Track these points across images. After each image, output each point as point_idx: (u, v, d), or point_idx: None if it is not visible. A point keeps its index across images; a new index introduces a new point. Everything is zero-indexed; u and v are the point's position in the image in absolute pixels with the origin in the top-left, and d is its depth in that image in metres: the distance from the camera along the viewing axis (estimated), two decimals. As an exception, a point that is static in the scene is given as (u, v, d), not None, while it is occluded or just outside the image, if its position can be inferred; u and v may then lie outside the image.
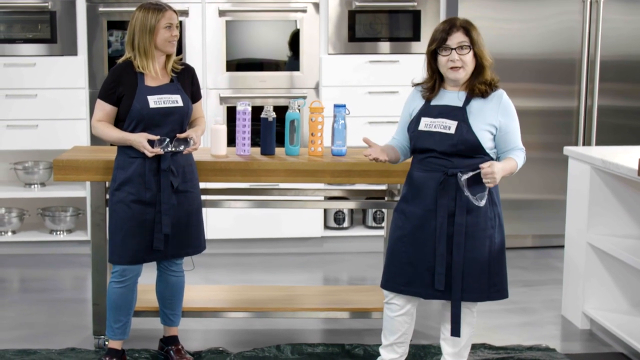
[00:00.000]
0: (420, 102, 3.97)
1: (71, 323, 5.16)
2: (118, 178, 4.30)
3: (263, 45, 6.63)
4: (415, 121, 3.94)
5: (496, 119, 3.83)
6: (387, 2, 6.60)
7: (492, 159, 3.87)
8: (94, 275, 4.69)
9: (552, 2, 6.56)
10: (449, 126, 3.83)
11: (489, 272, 3.90)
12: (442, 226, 3.86)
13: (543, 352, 4.77)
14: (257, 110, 4.93)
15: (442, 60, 3.86)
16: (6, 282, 6.07)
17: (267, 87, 6.59)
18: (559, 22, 6.58)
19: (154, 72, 4.29)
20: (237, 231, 6.62)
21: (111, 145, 4.53)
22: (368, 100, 6.51)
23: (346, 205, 5.03)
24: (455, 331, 3.97)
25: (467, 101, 3.85)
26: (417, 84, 4.02)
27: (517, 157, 3.88)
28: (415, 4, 6.59)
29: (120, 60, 4.34)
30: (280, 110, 5.00)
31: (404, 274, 3.96)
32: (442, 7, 6.63)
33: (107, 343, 4.62)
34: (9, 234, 6.66)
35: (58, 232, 6.68)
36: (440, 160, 3.87)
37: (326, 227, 6.82)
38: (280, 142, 4.85)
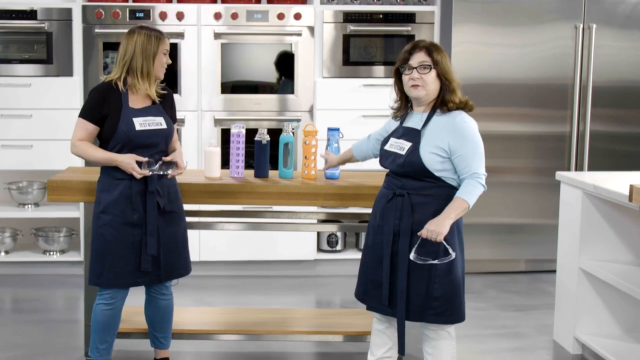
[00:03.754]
0: (398, 122, 4.08)
1: (63, 344, 5.15)
2: (103, 201, 4.27)
3: (258, 68, 6.66)
4: (385, 140, 4.05)
5: (445, 142, 3.83)
6: (381, 27, 6.64)
7: (443, 182, 3.87)
8: (86, 296, 4.69)
9: (545, 28, 6.60)
10: (404, 147, 3.91)
11: (426, 294, 3.90)
12: (388, 243, 3.92)
13: (534, 376, 4.77)
14: (251, 133, 4.95)
15: (404, 79, 3.95)
16: (-2, 302, 6.07)
17: (261, 109, 6.61)
18: (552, 47, 6.62)
19: (138, 93, 4.30)
20: (230, 253, 6.62)
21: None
22: (362, 124, 6.53)
23: (339, 228, 5.05)
24: (401, 349, 4.02)
25: (426, 123, 3.91)
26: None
27: (467, 192, 3.81)
28: (410, 28, 6.63)
29: (104, 80, 4.34)
30: (274, 133, 5.02)
31: (363, 283, 4.09)
32: (436, 32, 6.67)
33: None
34: (2, 253, 6.65)
35: (51, 253, 6.68)
36: (394, 180, 3.97)
37: (319, 249, 6.82)
38: (274, 165, 4.87)
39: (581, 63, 6.63)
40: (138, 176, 4.21)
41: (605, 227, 5.02)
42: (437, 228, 3.76)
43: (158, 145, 4.33)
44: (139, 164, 4.21)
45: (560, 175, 5.25)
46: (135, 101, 4.31)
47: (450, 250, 3.80)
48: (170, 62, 4.35)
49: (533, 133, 6.70)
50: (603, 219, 5.01)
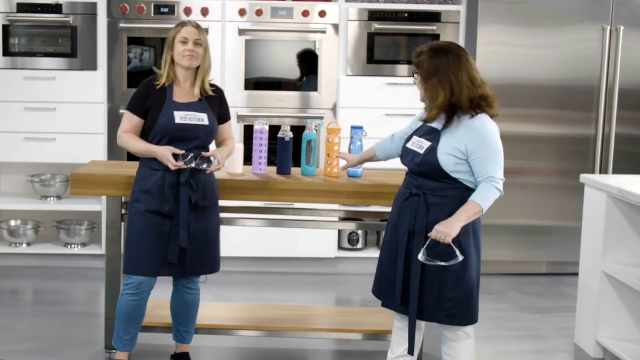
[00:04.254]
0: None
1: (83, 337, 5.17)
2: (137, 190, 4.33)
3: (282, 65, 6.66)
4: (409, 138, 4.04)
5: (462, 144, 3.80)
6: (406, 26, 6.62)
7: (459, 183, 3.84)
8: (107, 290, 4.70)
9: (572, 30, 6.56)
10: (423, 147, 3.89)
11: (439, 295, 3.87)
12: (403, 242, 3.90)
13: (555, 380, 4.74)
14: (274, 130, 4.95)
15: None
16: (20, 294, 6.09)
17: (284, 106, 6.61)
18: (579, 49, 6.58)
19: (183, 88, 4.33)
20: (251, 249, 6.62)
21: (129, 160, 4.54)
22: (385, 123, 6.51)
23: (361, 227, 5.04)
24: (410, 349, 4.00)
25: (447, 124, 3.87)
26: None
27: (482, 197, 3.77)
28: (435, 28, 6.60)
29: (155, 73, 4.41)
30: (298, 130, 5.01)
31: (379, 280, 4.09)
32: (461, 31, 6.64)
33: (114, 353, 4.64)
34: (24, 246, 6.69)
35: (73, 246, 6.70)
36: (412, 179, 3.95)
37: (340, 248, 6.81)
38: (297, 162, 4.86)
39: (608, 65, 6.58)
40: (173, 168, 4.23)
41: (629, 231, 4.98)
42: (446, 230, 3.73)
43: (197, 140, 4.33)
44: (176, 157, 4.23)
45: (584, 178, 5.21)
46: (181, 96, 4.35)
47: (458, 253, 3.76)
48: (191, 49, 4.29)
49: (558, 135, 6.66)
50: (627, 223, 4.98)
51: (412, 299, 3.89)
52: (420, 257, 3.78)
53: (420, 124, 4.03)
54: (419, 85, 3.94)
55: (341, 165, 4.76)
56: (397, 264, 3.93)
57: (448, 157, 3.81)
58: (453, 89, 3.82)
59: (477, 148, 3.78)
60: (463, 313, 3.90)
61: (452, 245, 3.75)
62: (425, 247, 3.79)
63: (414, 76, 3.96)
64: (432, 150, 3.84)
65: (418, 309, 3.91)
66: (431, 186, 3.87)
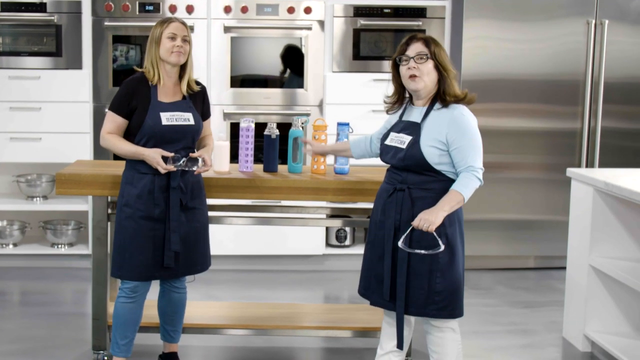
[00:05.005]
0: (397, 117, 4.04)
1: (71, 337, 5.15)
2: (126, 194, 4.25)
3: (267, 62, 6.65)
4: (385, 135, 4.03)
5: (443, 135, 3.81)
6: (392, 22, 6.62)
7: (443, 175, 3.85)
8: (94, 290, 4.68)
9: (557, 24, 6.57)
10: (404, 141, 3.88)
11: (429, 289, 3.87)
12: (389, 238, 3.90)
13: (544, 374, 4.75)
14: (260, 127, 4.94)
15: (402, 70, 3.93)
16: (6, 295, 6.06)
17: (270, 103, 6.59)
18: (564, 43, 6.59)
19: (167, 86, 4.27)
20: (238, 248, 6.61)
21: (115, 159, 4.49)
22: (372, 119, 6.49)
23: (348, 224, 5.03)
24: (399, 344, 3.99)
25: (425, 116, 3.88)
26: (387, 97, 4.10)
27: (462, 185, 3.78)
28: (420, 23, 6.60)
29: (136, 71, 4.32)
30: (284, 127, 5.00)
31: (366, 278, 4.07)
32: (447, 27, 6.64)
33: (105, 358, 4.62)
34: (10, 246, 6.66)
35: (59, 246, 6.68)
36: (394, 175, 3.94)
37: (328, 244, 6.81)
38: (283, 160, 4.85)
39: (593, 59, 6.60)
40: (163, 171, 4.16)
41: (615, 224, 4.99)
42: (430, 217, 3.73)
43: (184, 141, 4.27)
44: (165, 159, 4.18)
45: (571, 171, 5.22)
46: (165, 95, 4.28)
47: (440, 242, 3.76)
48: (179, 44, 4.22)
49: (544, 129, 6.67)
50: (614, 216, 4.99)
51: (399, 293, 3.89)
52: (400, 244, 3.77)
53: (395, 120, 4.03)
54: (425, 70, 3.86)
55: (330, 161, 4.75)
56: (384, 260, 3.92)
57: (431, 149, 3.82)
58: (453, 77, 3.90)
59: (457, 138, 3.80)
60: (452, 306, 3.91)
61: (435, 233, 3.75)
62: (405, 234, 3.79)
63: (420, 59, 3.86)
64: (415, 143, 3.84)
65: (407, 304, 3.91)
66: (415, 180, 3.87)
